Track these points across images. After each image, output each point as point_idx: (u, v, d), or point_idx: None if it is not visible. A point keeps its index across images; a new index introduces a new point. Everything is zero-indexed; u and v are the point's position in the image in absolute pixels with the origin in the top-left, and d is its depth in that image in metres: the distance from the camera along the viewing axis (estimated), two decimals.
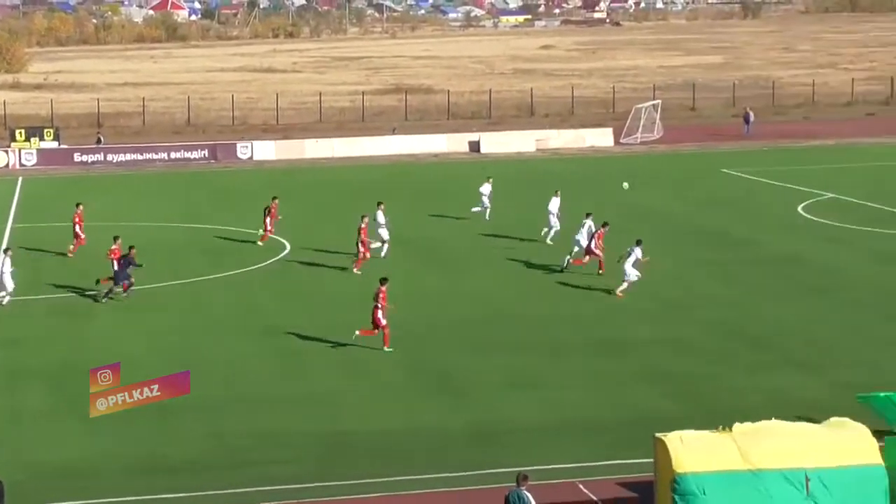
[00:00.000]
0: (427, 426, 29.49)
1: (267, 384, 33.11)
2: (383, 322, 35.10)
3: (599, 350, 35.54)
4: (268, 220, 50.52)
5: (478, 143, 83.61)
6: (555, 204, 50.08)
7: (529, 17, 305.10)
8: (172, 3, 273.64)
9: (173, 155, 79.25)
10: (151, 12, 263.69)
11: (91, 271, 44.07)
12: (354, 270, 45.03)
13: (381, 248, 47.20)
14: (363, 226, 45.27)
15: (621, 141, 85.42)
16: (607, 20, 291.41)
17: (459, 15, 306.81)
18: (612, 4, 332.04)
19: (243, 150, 79.94)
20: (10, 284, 41.70)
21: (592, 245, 43.97)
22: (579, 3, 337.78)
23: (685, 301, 40.97)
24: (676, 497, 21.36)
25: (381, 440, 28.85)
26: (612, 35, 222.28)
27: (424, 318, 39.09)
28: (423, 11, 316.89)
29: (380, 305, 35.09)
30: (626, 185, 57.28)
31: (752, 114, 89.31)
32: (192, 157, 79.31)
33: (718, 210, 57.07)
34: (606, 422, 29.57)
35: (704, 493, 21.18)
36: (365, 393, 32.21)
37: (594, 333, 37.31)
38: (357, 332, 35.30)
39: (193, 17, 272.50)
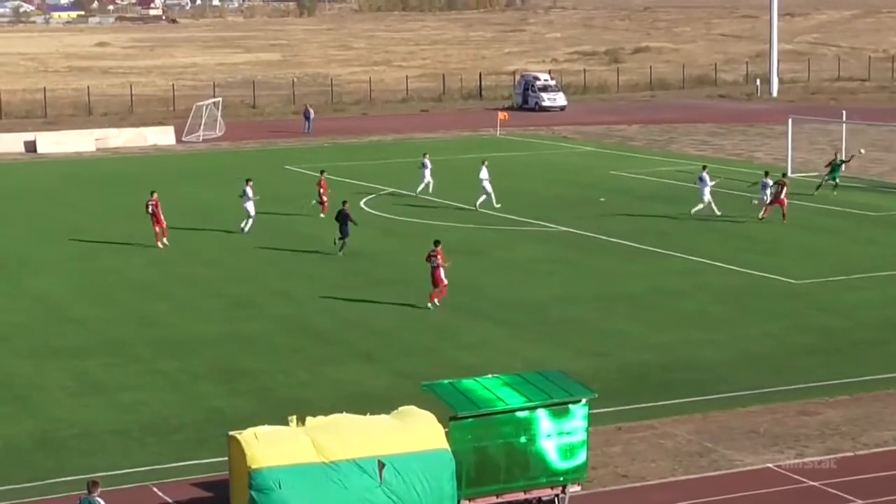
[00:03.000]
0: None
1: None
2: (444, 280, 38.59)
3: (167, 349, 35.13)
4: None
5: (34, 143, 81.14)
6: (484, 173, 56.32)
7: (83, 13, 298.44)
8: None
9: None
10: None
11: None
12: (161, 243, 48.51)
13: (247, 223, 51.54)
14: (153, 200, 48.75)
15: (183, 139, 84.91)
16: (164, 17, 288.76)
17: (8, 10, 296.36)
18: (167, 1, 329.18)
19: None
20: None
21: (782, 195, 51.44)
22: (134, 0, 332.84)
23: (253, 298, 41.09)
24: (253, 493, 21.42)
25: None
26: (169, 32, 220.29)
27: None
28: None
29: (440, 265, 38.37)
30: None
31: (312, 111, 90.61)
32: None
33: (283, 206, 57.53)
34: (177, 422, 29.25)
35: (280, 487, 21.33)
36: None
37: (161, 333, 36.88)
38: (429, 305, 38.74)
39: None
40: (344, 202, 47.89)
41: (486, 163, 57.51)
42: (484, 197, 55.96)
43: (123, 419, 29.58)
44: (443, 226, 52.47)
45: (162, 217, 48.83)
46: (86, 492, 21.46)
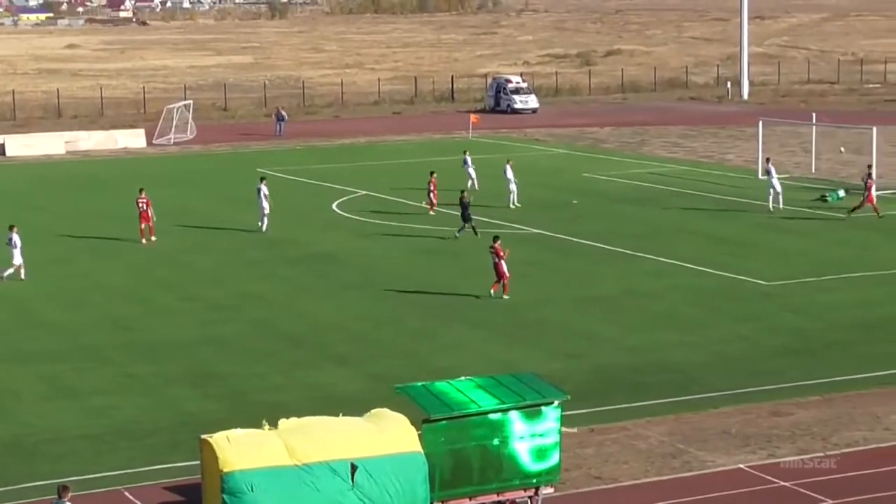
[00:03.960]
0: None
1: None
2: (507, 274, 39.83)
3: (140, 353, 35.02)
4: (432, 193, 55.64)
5: (2, 146, 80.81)
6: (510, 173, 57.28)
7: (52, 15, 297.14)
8: None
9: None
10: None
11: None
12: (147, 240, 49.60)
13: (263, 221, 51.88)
14: (142, 197, 49.82)
15: (154, 142, 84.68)
16: (134, 19, 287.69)
17: None
18: (138, 4, 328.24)
19: None
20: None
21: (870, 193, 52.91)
22: (104, 2, 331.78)
23: (226, 301, 41.00)
24: (225, 496, 21.37)
25: None
26: (139, 35, 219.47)
27: None
28: None
29: (500, 259, 39.67)
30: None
31: (285, 113, 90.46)
32: None
33: (255, 209, 57.38)
34: (150, 426, 29.15)
35: (252, 490, 21.29)
36: None
37: (135, 336, 36.76)
38: (503, 295, 39.90)
39: None
40: (462, 191, 51.05)
41: (511, 162, 58.43)
42: (512, 195, 57.05)
43: (95, 423, 29.48)
44: (417, 228, 52.47)
45: (151, 214, 49.89)
46: (56, 496, 21.37)
